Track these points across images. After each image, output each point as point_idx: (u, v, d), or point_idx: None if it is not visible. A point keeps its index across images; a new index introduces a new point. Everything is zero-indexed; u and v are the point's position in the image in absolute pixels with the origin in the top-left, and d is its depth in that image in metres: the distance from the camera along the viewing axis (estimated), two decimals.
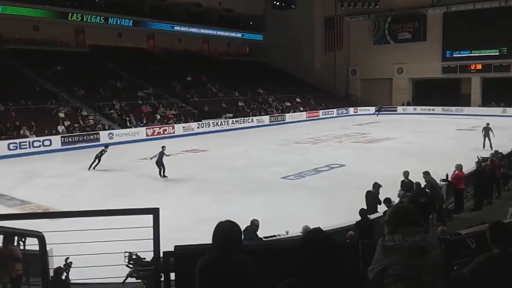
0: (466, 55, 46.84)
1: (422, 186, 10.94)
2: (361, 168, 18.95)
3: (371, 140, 28.60)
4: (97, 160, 19.43)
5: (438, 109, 46.17)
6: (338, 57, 52.40)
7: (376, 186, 10.98)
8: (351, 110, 48.78)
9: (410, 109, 48.17)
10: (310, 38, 53.36)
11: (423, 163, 16.82)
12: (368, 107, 48.86)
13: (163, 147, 18.47)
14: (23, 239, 6.91)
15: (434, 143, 25.91)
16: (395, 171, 17.21)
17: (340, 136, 30.56)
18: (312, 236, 2.17)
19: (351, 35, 53.25)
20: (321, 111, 45.91)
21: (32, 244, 6.15)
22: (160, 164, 17.86)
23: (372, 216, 9.63)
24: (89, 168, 19.32)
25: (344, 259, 2.69)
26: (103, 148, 20.38)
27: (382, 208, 9.99)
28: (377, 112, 46.59)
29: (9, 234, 5.00)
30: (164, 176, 17.74)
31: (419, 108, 47.50)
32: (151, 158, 18.45)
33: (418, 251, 2.28)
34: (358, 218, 9.24)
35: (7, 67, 32.59)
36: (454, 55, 47.57)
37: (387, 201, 9.73)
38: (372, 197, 10.75)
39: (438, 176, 11.95)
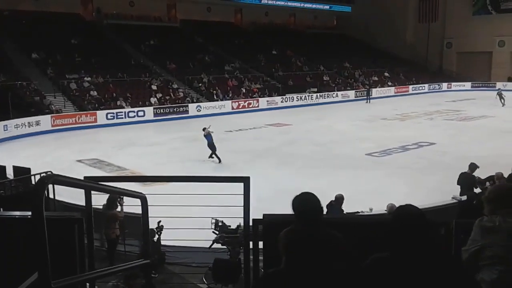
0: None
1: None
2: (454, 147, 17.93)
3: (466, 117, 26.86)
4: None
5: None
6: (433, 28, 49.26)
7: (473, 167, 10.21)
8: (445, 85, 46.02)
9: (511, 85, 44.16)
10: (402, 8, 50.66)
11: None
12: (464, 83, 45.68)
13: (204, 129, 16.56)
14: (121, 202, 7.47)
15: None
16: (492, 151, 16.19)
17: (431, 113, 29.07)
18: (405, 211, 2.11)
19: (448, 5, 49.71)
20: (411, 86, 43.83)
21: (129, 205, 6.60)
22: (211, 146, 16.18)
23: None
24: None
25: (437, 237, 2.59)
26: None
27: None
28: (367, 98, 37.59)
29: (115, 193, 5.40)
30: (219, 160, 16.08)
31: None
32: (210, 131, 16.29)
33: None
34: (449, 199, 8.82)
35: (107, 41, 34.86)
36: None
37: (480, 183, 9.11)
38: (467, 178, 10.05)
39: None
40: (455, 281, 2.07)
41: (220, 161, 16.10)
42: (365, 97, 36.94)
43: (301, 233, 2.04)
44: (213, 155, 16.29)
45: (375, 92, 40.13)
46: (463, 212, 8.22)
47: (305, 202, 2.13)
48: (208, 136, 16.32)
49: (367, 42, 50.68)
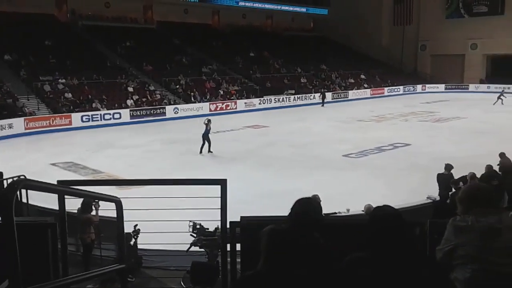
0: None
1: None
2: (428, 148, 18.25)
3: (440, 119, 27.40)
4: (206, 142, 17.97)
5: None
6: (407, 31, 50.17)
7: (449, 167, 10.39)
8: (419, 87, 46.90)
9: (483, 87, 45.31)
10: (377, 11, 51.41)
11: (498, 144, 15.82)
12: (437, 85, 46.64)
13: (209, 120, 18.19)
14: (97, 206, 7.34)
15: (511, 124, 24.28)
16: (466, 152, 16.55)
17: (406, 114, 29.54)
18: (382, 211, 2.13)
19: (422, 8, 50.67)
20: (386, 88, 44.49)
21: (105, 209, 6.50)
22: (205, 138, 17.74)
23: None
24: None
25: (412, 237, 2.62)
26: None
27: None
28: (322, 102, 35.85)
29: (89, 197, 5.31)
30: (209, 151, 17.78)
31: (493, 87, 44.25)
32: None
33: (492, 233, 2.16)
34: (423, 199, 8.97)
35: (81, 42, 34.30)
36: None
37: (454, 183, 9.29)
38: (445, 179, 10.19)
39: None
40: (431, 280, 2.10)
41: (202, 151, 17.71)
42: (321, 102, 35.60)
43: (290, 234, 2.01)
44: (203, 146, 17.67)
45: (351, 94, 40.62)
46: (437, 212, 8.38)
47: (306, 209, 2.12)
48: (206, 127, 17.79)
49: (344, 44, 51.21)
